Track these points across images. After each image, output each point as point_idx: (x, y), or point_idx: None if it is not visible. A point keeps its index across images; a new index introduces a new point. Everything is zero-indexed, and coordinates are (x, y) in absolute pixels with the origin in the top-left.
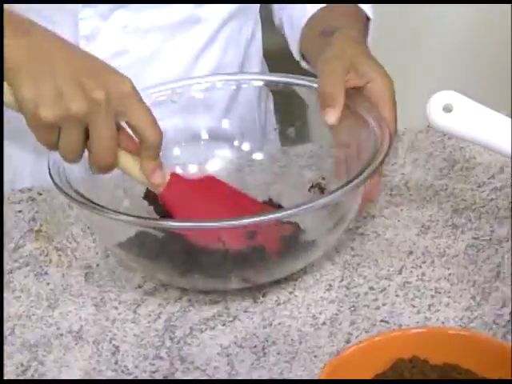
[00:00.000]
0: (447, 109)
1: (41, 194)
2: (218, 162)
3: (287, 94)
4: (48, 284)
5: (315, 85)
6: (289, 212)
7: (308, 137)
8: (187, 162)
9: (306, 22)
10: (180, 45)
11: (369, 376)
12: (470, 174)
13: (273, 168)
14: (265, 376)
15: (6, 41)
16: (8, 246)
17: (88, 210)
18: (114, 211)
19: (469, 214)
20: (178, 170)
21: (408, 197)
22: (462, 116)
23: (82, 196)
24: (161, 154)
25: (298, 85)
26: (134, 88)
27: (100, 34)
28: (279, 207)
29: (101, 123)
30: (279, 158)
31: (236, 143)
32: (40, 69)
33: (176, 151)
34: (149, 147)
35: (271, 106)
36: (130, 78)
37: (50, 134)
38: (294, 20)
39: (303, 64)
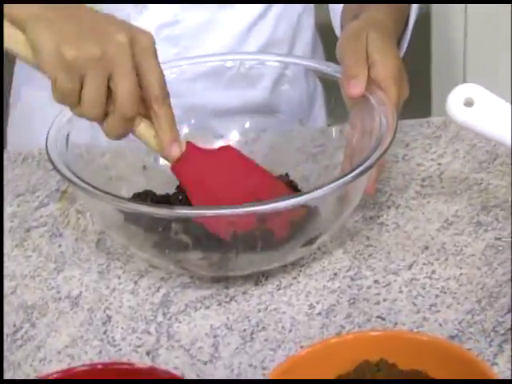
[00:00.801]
0: (468, 103)
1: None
2: (256, 136)
3: (331, 80)
4: (60, 246)
5: None
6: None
7: None
8: (226, 134)
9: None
10: (231, 18)
11: (331, 376)
12: (509, 171)
13: (308, 147)
14: (246, 362)
15: None
16: (32, 204)
17: (81, 191)
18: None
19: (497, 212)
20: (217, 142)
21: (439, 189)
22: (483, 110)
23: (76, 176)
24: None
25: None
26: (154, 43)
27: (151, 4)
28: (292, 183)
29: (125, 67)
30: (316, 137)
31: (277, 120)
32: (62, 14)
33: (216, 123)
34: (163, 106)
35: (319, 88)
36: (180, 48)
37: (71, 78)
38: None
39: None
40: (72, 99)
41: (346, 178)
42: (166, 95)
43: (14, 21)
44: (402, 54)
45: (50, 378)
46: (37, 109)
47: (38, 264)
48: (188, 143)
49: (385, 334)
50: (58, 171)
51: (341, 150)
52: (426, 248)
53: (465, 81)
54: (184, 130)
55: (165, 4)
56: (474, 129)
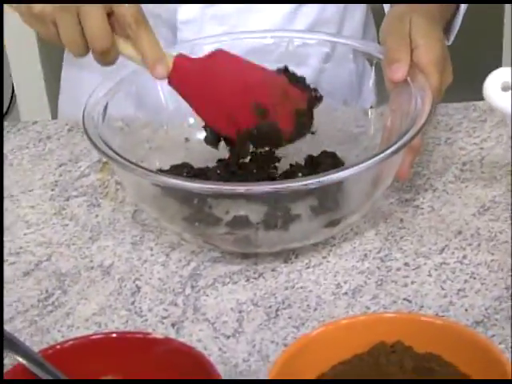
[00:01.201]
0: (506, 87)
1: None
2: None
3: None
4: (97, 216)
5: None
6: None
7: None
8: None
9: None
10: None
11: (345, 355)
12: None
13: (350, 127)
14: (268, 338)
15: None
16: (73, 174)
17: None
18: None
19: None
20: None
21: (478, 174)
22: None
23: (110, 148)
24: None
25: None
26: None
27: None
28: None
29: (87, 6)
30: (359, 118)
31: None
32: None
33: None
34: (133, 28)
35: (367, 68)
36: (228, 27)
37: (47, 27)
38: None
39: None
40: (54, 41)
41: (372, 160)
42: (139, 20)
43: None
44: (449, 41)
45: (65, 346)
46: (84, 85)
47: (74, 233)
48: (177, 57)
49: (402, 317)
50: (92, 142)
51: (381, 131)
52: (460, 233)
53: None
54: None
55: None
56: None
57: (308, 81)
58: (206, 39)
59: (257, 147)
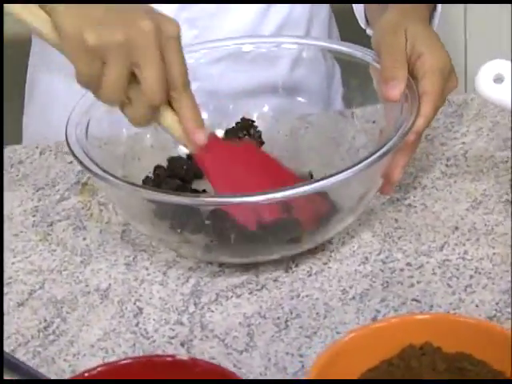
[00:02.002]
0: (498, 79)
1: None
2: (275, 120)
3: (350, 60)
4: (84, 239)
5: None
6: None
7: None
8: (247, 115)
9: None
10: None
11: (374, 362)
12: None
13: (327, 131)
14: (282, 350)
15: None
16: (53, 198)
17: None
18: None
19: None
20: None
21: (465, 168)
22: None
23: (98, 166)
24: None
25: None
26: (180, 32)
27: None
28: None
29: (152, 55)
30: (337, 121)
31: (297, 102)
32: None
33: (235, 106)
34: (182, 92)
35: (336, 69)
36: (199, 30)
37: (93, 63)
38: None
39: (369, 32)
40: (93, 83)
41: (361, 165)
42: (188, 84)
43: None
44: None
45: (94, 372)
46: (55, 98)
47: (63, 258)
48: (211, 134)
49: (429, 317)
50: (81, 163)
51: (361, 132)
52: (457, 228)
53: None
54: (203, 115)
55: None
56: (503, 105)
57: (280, 84)
58: None
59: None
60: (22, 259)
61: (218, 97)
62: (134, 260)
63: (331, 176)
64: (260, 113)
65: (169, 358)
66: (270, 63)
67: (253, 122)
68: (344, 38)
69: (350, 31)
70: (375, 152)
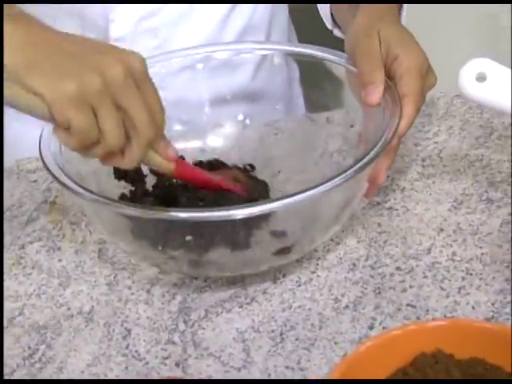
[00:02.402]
0: (481, 78)
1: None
2: (242, 127)
3: (311, 63)
4: (60, 260)
5: (335, 57)
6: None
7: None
8: (214, 124)
9: None
10: (208, 6)
11: (388, 372)
12: (508, 144)
13: (297, 136)
14: (281, 364)
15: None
16: (21, 219)
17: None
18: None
19: (505, 187)
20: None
21: (441, 168)
22: (497, 85)
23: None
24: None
25: (322, 58)
26: (146, 65)
27: None
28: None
29: (135, 96)
30: (304, 126)
31: (262, 107)
32: (45, 53)
33: (200, 115)
34: (159, 127)
35: (297, 73)
36: (160, 40)
37: (85, 113)
38: None
39: (336, 32)
40: (93, 135)
41: (349, 172)
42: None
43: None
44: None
45: None
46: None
47: (40, 281)
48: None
49: (439, 324)
50: (57, 180)
51: (332, 137)
52: (442, 230)
53: None
54: (176, 127)
55: None
56: (487, 104)
57: (242, 88)
58: None
59: None
60: None
61: (182, 107)
62: (115, 279)
63: (318, 186)
64: (226, 121)
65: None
66: (232, 70)
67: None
68: (301, 39)
69: (306, 33)
70: (361, 159)
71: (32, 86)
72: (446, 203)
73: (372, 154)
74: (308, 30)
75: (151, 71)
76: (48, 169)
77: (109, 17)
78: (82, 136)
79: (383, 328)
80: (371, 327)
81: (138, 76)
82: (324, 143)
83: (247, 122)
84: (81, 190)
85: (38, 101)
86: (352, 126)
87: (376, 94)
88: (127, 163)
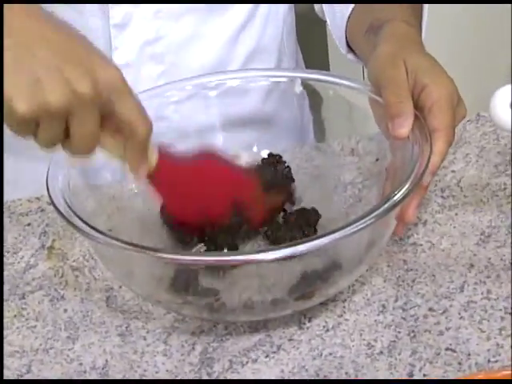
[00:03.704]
0: None
1: (51, 204)
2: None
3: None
4: (66, 311)
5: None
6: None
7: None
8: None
9: (350, 12)
10: (215, 29)
11: None
12: None
13: (307, 167)
14: None
15: None
16: (18, 266)
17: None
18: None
19: None
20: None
21: (462, 199)
22: None
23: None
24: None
25: (340, 84)
26: (123, 78)
27: (132, 22)
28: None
29: (84, 118)
30: (314, 155)
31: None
32: (18, 55)
33: (213, 139)
34: (137, 141)
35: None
36: (166, 65)
37: (27, 129)
38: (336, 10)
39: (350, 57)
40: (27, 138)
41: (368, 218)
42: (144, 132)
43: None
44: None
45: None
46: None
47: (46, 334)
48: (160, 153)
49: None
50: (68, 221)
51: (344, 167)
52: (472, 266)
53: None
54: None
55: (146, 20)
56: None
57: (254, 117)
58: (146, 92)
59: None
60: None
61: (188, 135)
62: (128, 329)
63: (345, 227)
64: (234, 148)
65: None
66: (240, 97)
67: (280, 157)
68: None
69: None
70: (391, 197)
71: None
72: (473, 236)
73: (402, 192)
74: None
75: (158, 101)
76: (57, 209)
77: (112, 44)
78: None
79: (424, 375)
80: (411, 375)
81: (110, 92)
82: (336, 175)
83: (254, 149)
84: (110, 240)
85: None
86: (377, 160)
87: (405, 126)
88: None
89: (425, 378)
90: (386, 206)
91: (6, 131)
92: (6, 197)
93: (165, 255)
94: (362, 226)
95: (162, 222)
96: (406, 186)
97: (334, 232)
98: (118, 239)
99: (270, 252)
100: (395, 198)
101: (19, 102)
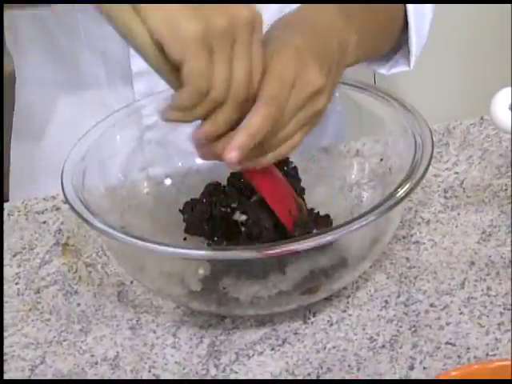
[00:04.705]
0: None
1: (66, 202)
2: None
3: None
4: (79, 305)
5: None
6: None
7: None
8: None
9: None
10: None
11: None
12: None
13: (313, 167)
14: None
15: None
16: (33, 263)
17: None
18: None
19: None
20: None
21: (465, 199)
22: None
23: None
24: None
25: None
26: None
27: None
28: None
29: (247, 46)
30: (321, 157)
31: None
32: None
33: None
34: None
35: None
36: None
37: (204, 55)
38: None
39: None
40: (204, 79)
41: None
42: None
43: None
44: (411, 66)
45: None
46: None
47: (60, 327)
48: None
49: (500, 366)
50: (83, 218)
51: (350, 168)
52: (473, 263)
53: None
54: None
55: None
56: None
57: None
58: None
59: None
60: (15, 332)
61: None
62: (138, 323)
63: (348, 223)
64: None
65: None
66: None
67: (287, 158)
68: None
69: None
70: (393, 194)
71: (151, 21)
72: (474, 235)
73: (404, 189)
74: None
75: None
76: (72, 207)
77: (129, 52)
78: (196, 80)
79: (424, 368)
80: (411, 367)
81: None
82: (342, 175)
83: None
84: (124, 236)
85: (145, 34)
86: (381, 160)
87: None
88: (210, 130)
89: (420, 379)
90: (388, 203)
91: None
92: (21, 195)
93: (175, 250)
94: (364, 222)
95: (174, 219)
96: (408, 185)
97: (337, 227)
98: (131, 235)
99: (272, 249)
100: (397, 195)
101: (190, 21)
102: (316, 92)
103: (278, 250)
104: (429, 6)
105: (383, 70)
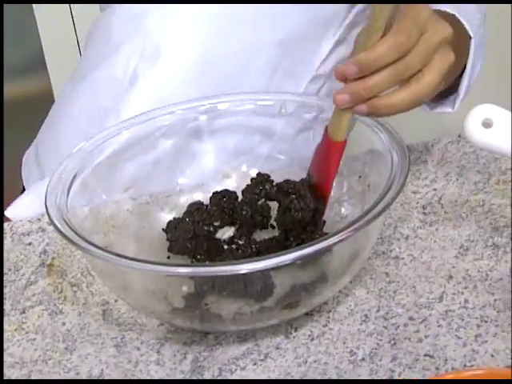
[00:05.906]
0: (486, 124)
1: (51, 224)
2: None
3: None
4: (64, 324)
5: None
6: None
7: None
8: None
9: None
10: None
11: None
12: (508, 188)
13: None
14: None
15: None
16: (19, 283)
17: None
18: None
19: (510, 232)
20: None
21: (443, 215)
22: (503, 131)
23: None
24: None
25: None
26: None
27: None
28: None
29: None
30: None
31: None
32: None
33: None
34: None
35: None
36: None
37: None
38: None
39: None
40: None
41: (357, 225)
42: None
43: None
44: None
45: None
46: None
47: (45, 346)
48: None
49: (473, 374)
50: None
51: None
52: (451, 277)
53: None
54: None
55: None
56: (493, 150)
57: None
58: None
59: None
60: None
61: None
62: (123, 340)
63: (326, 238)
64: (232, 171)
65: None
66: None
67: (268, 176)
68: None
69: None
70: (370, 209)
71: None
72: (452, 250)
73: (381, 205)
74: None
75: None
76: (56, 226)
77: None
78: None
79: None
80: (390, 380)
81: None
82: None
83: (250, 173)
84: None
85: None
86: (360, 177)
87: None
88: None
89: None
90: (365, 218)
91: None
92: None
93: (157, 268)
94: (343, 237)
95: (157, 238)
96: (386, 199)
97: (317, 242)
98: (114, 253)
99: (250, 263)
100: (374, 211)
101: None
102: (447, 41)
103: (259, 266)
104: (483, 53)
105: (427, 108)
